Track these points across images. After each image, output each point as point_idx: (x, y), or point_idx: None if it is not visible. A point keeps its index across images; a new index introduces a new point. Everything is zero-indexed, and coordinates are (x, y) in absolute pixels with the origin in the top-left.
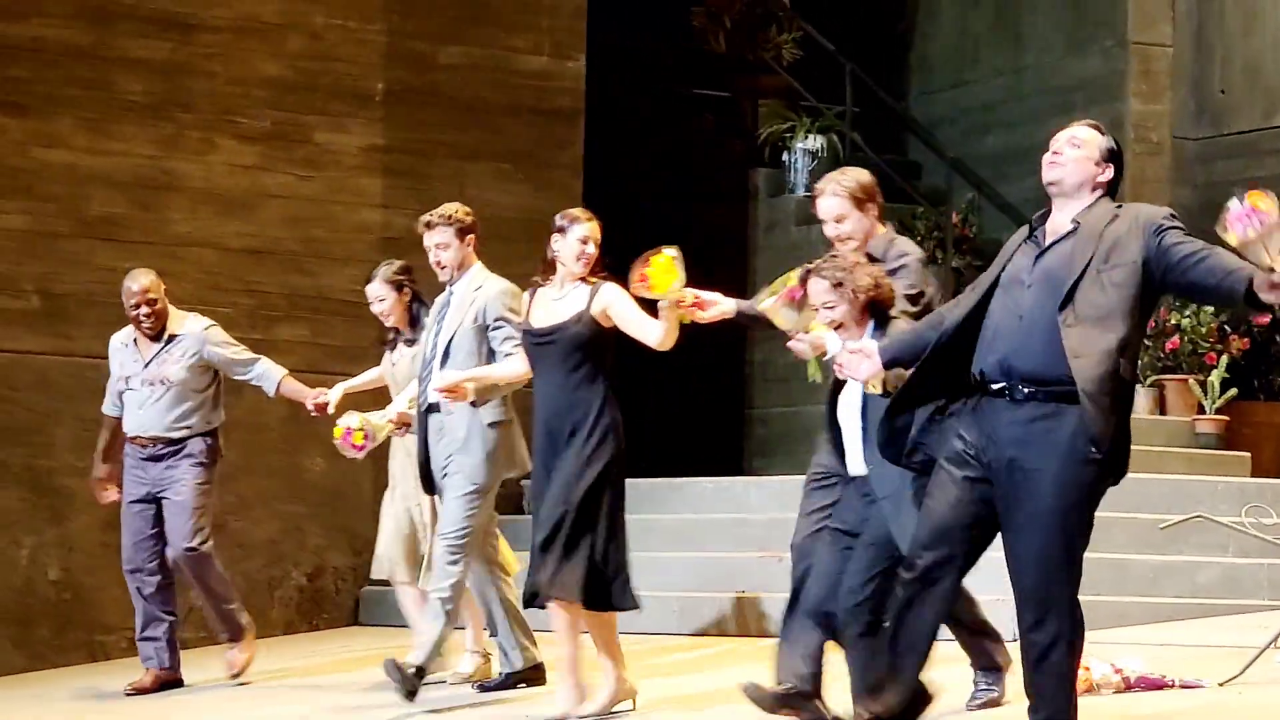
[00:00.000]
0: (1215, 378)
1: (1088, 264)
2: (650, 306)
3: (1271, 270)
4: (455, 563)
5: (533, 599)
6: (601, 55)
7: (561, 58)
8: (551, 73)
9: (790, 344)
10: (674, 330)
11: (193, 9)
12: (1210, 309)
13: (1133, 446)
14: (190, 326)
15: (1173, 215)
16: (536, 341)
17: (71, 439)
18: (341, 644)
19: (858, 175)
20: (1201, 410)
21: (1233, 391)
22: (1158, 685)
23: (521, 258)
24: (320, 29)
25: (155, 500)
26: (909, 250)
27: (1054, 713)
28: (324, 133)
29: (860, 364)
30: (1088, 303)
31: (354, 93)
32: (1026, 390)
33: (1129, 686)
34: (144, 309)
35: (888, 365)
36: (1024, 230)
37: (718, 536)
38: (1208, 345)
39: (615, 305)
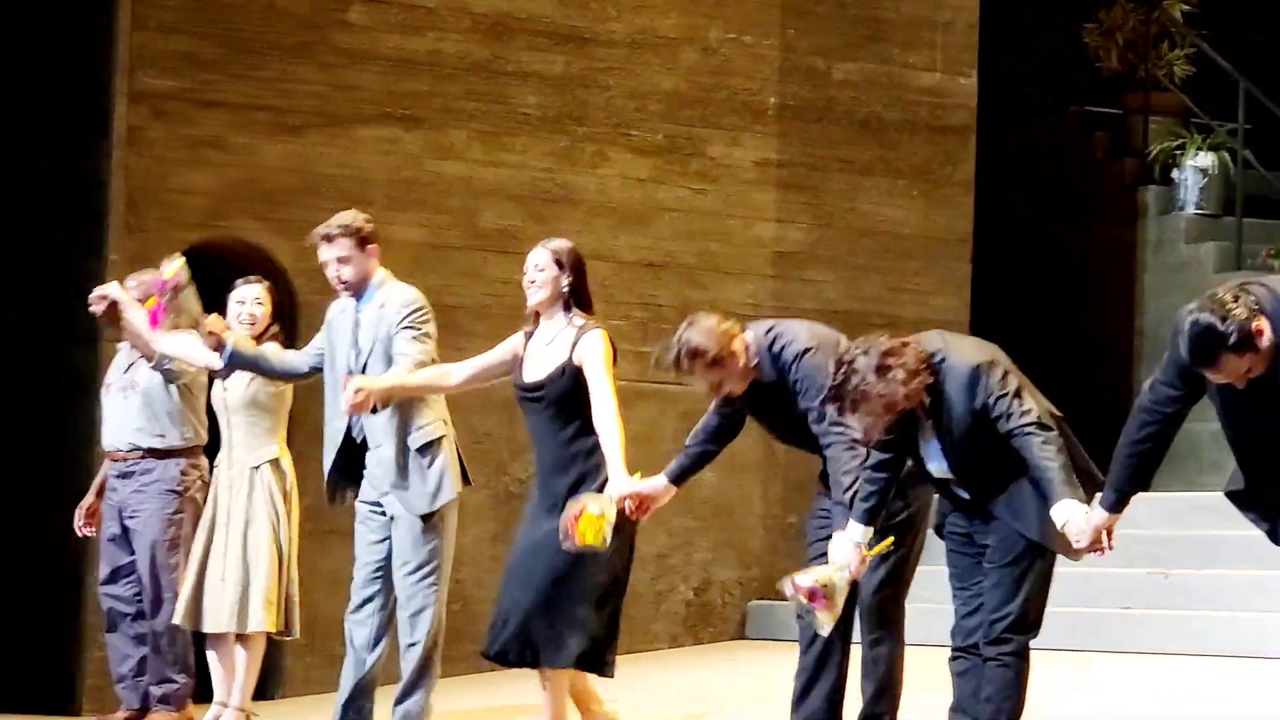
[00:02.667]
0: None
1: None
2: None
3: None
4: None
5: (506, 658)
6: (994, 72)
7: (954, 74)
8: (945, 89)
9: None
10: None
11: (589, 23)
12: None
13: None
14: None
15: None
16: (525, 397)
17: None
18: (725, 657)
19: None
20: None
21: None
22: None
23: (915, 274)
24: (715, 43)
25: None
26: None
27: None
28: (718, 146)
29: None
30: None
31: (748, 107)
32: None
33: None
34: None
35: None
36: None
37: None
38: None
39: (587, 363)
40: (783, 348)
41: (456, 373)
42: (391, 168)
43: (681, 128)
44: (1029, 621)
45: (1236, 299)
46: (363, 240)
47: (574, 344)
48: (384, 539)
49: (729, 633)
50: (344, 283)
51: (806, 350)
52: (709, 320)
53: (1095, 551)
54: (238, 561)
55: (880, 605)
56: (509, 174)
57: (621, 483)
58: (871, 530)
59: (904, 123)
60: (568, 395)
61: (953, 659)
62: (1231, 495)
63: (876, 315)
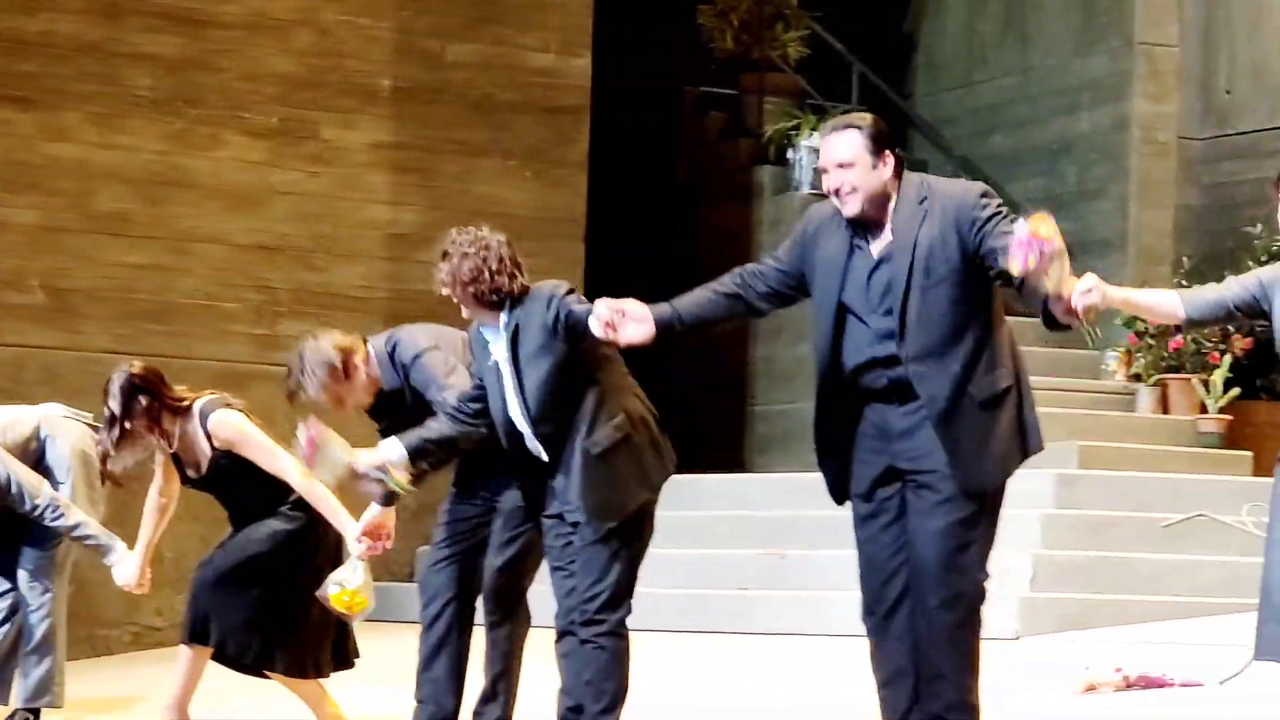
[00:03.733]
0: (1218, 377)
1: (908, 287)
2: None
3: (1059, 297)
4: None
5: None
6: (609, 53)
7: (569, 55)
8: (559, 70)
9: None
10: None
11: (203, 4)
12: None
13: (1137, 445)
14: None
15: (985, 195)
16: (200, 488)
17: None
18: None
19: None
20: (1204, 410)
21: (1235, 391)
22: (1158, 684)
23: (529, 254)
24: (330, 25)
25: None
26: None
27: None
28: (332, 129)
29: (625, 326)
30: (923, 331)
31: (363, 89)
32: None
33: (1129, 685)
34: None
35: (666, 328)
36: (838, 231)
37: (720, 534)
38: (1211, 345)
39: (234, 446)
40: (402, 352)
41: None
42: (4, 149)
43: (296, 110)
44: (620, 600)
45: None
46: None
47: (207, 435)
48: None
49: None
50: None
51: (424, 350)
52: (328, 338)
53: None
54: None
55: (501, 587)
56: (123, 156)
57: (351, 530)
58: (407, 459)
59: (518, 104)
60: (237, 474)
61: (557, 641)
62: None
63: None
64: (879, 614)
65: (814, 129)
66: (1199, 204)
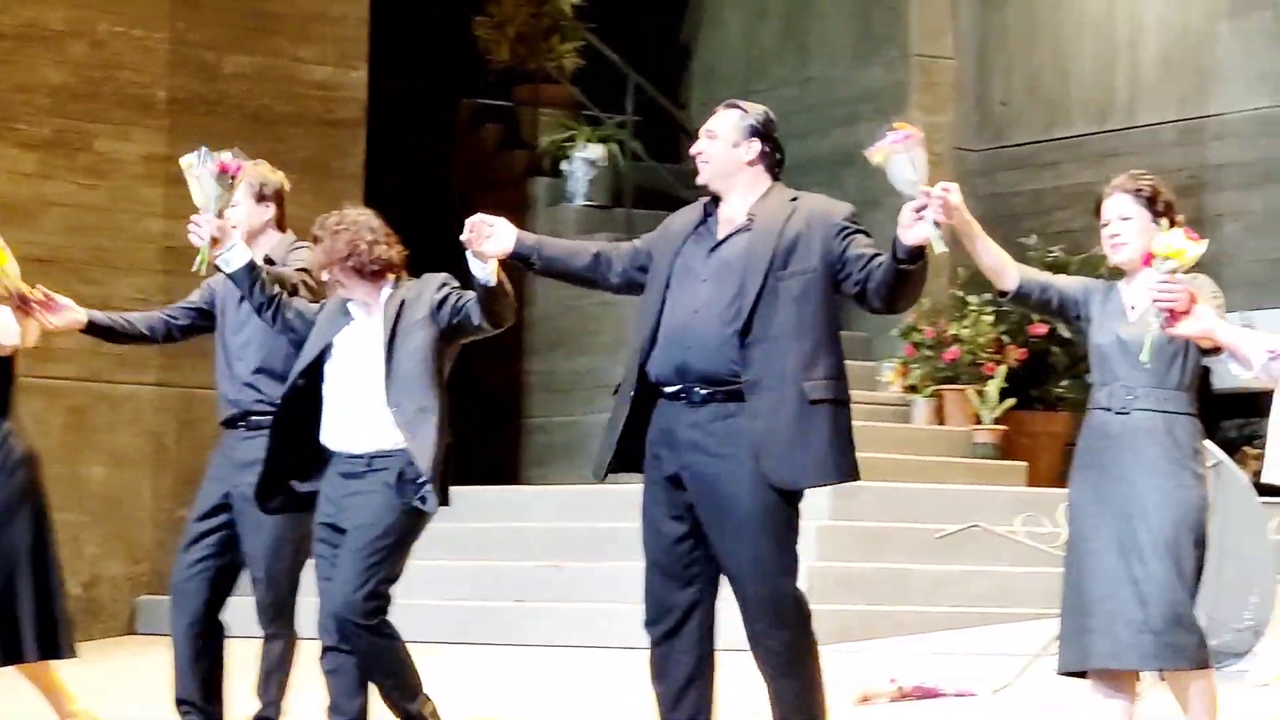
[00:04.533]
0: (993, 388)
1: (766, 270)
2: None
3: (916, 196)
4: None
5: None
6: (385, 65)
7: (345, 67)
8: (335, 83)
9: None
10: None
11: None
12: (989, 319)
13: (913, 456)
14: None
15: (854, 212)
16: None
17: None
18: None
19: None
20: (979, 421)
21: (1010, 402)
22: (932, 694)
23: None
24: (104, 36)
25: None
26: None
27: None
28: (107, 140)
29: (487, 237)
30: (766, 317)
31: (138, 101)
32: (704, 392)
33: (903, 696)
34: None
35: (524, 254)
36: (695, 211)
37: (498, 546)
38: (986, 356)
39: None
40: None
41: None
42: None
43: (70, 121)
44: (379, 610)
45: None
46: None
47: None
48: None
49: (119, 629)
50: None
51: None
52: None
53: None
54: None
55: (279, 599)
56: None
57: None
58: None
59: (295, 116)
60: None
61: (322, 657)
62: None
63: None
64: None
65: (588, 140)
66: (975, 215)
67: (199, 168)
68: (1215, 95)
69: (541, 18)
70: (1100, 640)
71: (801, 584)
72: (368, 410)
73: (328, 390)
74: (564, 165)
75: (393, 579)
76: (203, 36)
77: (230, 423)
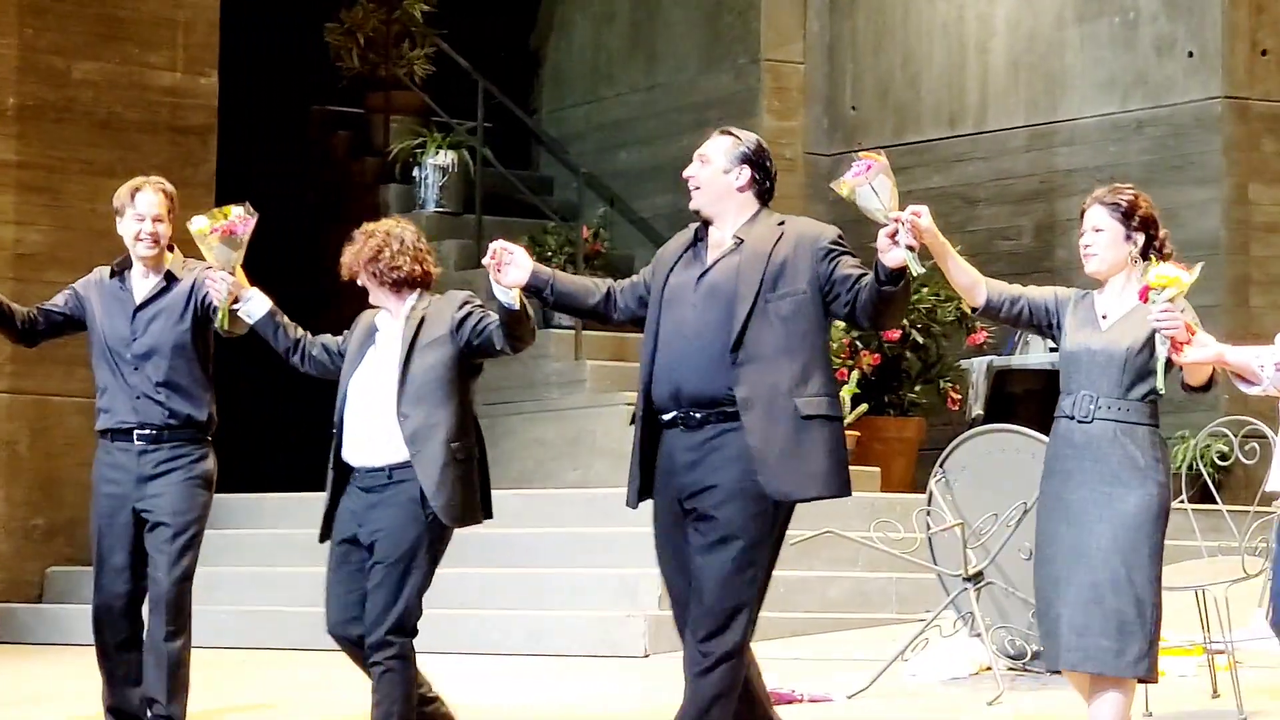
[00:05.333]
0: (846, 393)
1: (756, 293)
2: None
3: (887, 222)
4: None
5: None
6: (236, 72)
7: (195, 74)
8: (186, 89)
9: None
10: None
11: None
12: (841, 324)
13: None
14: None
15: (840, 237)
16: None
17: None
18: None
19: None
20: None
21: (863, 407)
22: (787, 700)
23: None
24: None
25: None
26: None
27: None
28: None
29: (508, 266)
30: (757, 337)
31: None
32: (700, 415)
33: None
34: None
35: (538, 287)
36: (687, 235)
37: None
38: (839, 361)
39: None
40: None
41: None
42: None
43: None
44: (413, 623)
45: None
46: None
47: None
48: None
49: None
50: None
51: None
52: None
53: None
54: None
55: (180, 598)
56: None
57: None
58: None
59: (145, 123)
60: None
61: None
62: None
63: None
64: None
65: (439, 147)
66: (826, 219)
67: (210, 236)
68: (1064, 100)
69: (392, 24)
70: (1049, 643)
71: (651, 592)
72: (385, 423)
73: (348, 408)
74: (415, 172)
75: (423, 589)
76: (51, 42)
77: (118, 434)
